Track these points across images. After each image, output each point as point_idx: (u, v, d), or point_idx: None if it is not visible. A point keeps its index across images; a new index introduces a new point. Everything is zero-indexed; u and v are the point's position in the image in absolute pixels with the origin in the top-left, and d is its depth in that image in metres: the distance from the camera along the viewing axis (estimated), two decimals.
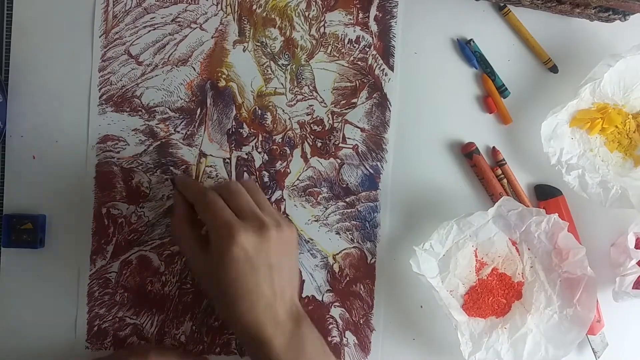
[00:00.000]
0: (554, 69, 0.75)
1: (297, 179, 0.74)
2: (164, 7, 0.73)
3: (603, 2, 0.68)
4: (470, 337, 0.71)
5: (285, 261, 0.64)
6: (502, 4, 0.74)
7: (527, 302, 0.73)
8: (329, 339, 0.73)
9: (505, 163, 0.74)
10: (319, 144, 0.74)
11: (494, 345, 0.71)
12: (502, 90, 0.74)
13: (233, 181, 0.67)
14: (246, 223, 0.62)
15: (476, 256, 0.74)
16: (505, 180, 0.74)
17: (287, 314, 0.63)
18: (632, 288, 0.71)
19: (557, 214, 0.71)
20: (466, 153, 0.74)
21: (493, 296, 0.74)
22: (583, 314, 0.70)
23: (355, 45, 0.74)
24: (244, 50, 0.73)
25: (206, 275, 0.64)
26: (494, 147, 0.74)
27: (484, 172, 0.73)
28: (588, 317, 0.70)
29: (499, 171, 0.74)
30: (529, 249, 0.74)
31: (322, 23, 0.73)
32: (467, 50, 0.74)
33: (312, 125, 0.73)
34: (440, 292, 0.69)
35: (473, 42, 0.74)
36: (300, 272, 0.73)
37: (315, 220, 0.74)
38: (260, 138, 0.73)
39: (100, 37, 0.72)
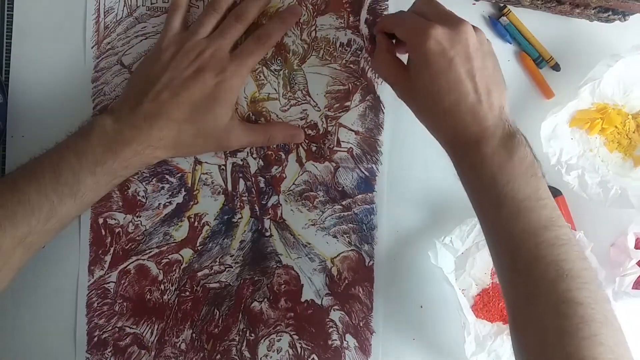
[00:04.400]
0: (556, 67, 0.73)
1: (293, 184, 0.73)
2: (155, 17, 0.72)
3: (603, 3, 0.67)
4: (474, 338, 0.70)
5: (488, 60, 0.61)
6: (502, 4, 0.72)
7: None
8: (330, 342, 0.74)
9: None
10: (314, 148, 0.73)
11: (496, 350, 0.71)
12: (539, 62, 0.74)
13: None
14: (439, 21, 0.60)
15: None
16: None
17: (496, 120, 0.59)
18: (632, 288, 0.71)
19: (582, 232, 0.70)
20: None
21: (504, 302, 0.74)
22: None
23: (347, 48, 0.73)
24: None
25: (410, 90, 0.63)
26: None
27: None
28: None
29: None
30: None
31: (313, 27, 0.72)
32: None
33: (306, 129, 0.73)
34: (454, 288, 0.69)
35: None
36: (299, 278, 0.74)
37: (312, 225, 0.73)
38: None
39: (92, 47, 0.72)
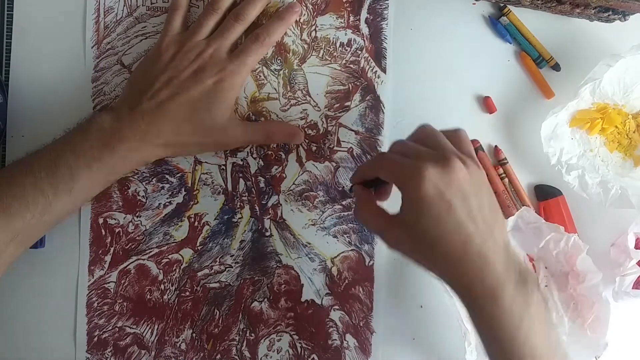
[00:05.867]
0: (556, 67, 0.73)
1: (293, 184, 0.73)
2: (155, 16, 0.72)
3: (603, 2, 0.67)
4: (476, 347, 0.70)
5: (484, 194, 0.57)
6: (502, 4, 0.72)
7: None
8: (330, 342, 0.74)
9: (507, 162, 0.73)
10: (314, 148, 0.73)
11: None
12: (539, 62, 0.74)
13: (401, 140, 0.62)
14: (427, 158, 0.56)
15: None
16: (506, 180, 0.73)
17: (506, 262, 0.56)
18: (632, 288, 0.71)
19: (576, 234, 0.70)
20: None
21: None
22: (593, 340, 0.69)
23: (347, 48, 0.73)
24: None
25: (405, 238, 0.58)
26: (496, 145, 0.74)
27: (487, 169, 0.73)
28: (598, 344, 0.69)
29: (500, 170, 0.73)
30: (545, 268, 0.73)
31: (313, 27, 0.72)
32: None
33: (306, 129, 0.73)
34: (453, 298, 0.69)
35: None
36: (299, 278, 0.73)
37: (312, 224, 0.73)
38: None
39: (92, 47, 0.72)
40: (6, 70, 0.72)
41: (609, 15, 0.69)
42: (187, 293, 0.73)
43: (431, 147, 0.58)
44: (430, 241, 0.56)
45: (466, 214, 0.55)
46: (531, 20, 0.73)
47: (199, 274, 0.73)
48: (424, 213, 0.55)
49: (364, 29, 0.73)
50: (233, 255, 0.73)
